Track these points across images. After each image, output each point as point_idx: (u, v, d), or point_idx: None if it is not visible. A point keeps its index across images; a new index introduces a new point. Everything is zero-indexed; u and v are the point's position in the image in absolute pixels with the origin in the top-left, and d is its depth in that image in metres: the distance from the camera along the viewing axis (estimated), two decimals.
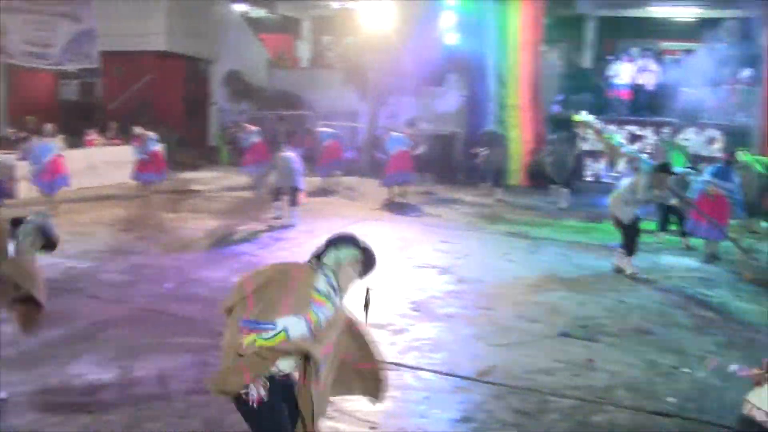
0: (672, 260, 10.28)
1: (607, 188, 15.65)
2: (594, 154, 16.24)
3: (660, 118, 15.72)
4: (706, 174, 10.33)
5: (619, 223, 9.26)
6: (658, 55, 17.89)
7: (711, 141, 14.59)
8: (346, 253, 3.55)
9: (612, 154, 11.11)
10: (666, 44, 19.13)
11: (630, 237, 9.17)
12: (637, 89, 16.78)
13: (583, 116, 11.16)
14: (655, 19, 18.64)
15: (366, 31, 17.42)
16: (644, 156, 10.44)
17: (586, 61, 18.86)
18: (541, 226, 12.18)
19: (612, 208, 9.34)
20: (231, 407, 3.52)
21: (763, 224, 11.78)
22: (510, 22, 16.32)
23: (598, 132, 11.12)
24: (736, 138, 13.80)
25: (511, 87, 16.42)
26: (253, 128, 15.36)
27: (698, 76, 15.80)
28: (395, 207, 13.59)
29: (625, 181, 9.41)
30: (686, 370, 6.21)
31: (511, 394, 5.56)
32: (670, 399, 5.63)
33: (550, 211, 13.66)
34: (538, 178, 15.51)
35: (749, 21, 15.51)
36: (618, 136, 11.52)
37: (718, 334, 7.24)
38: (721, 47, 15.25)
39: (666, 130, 15.35)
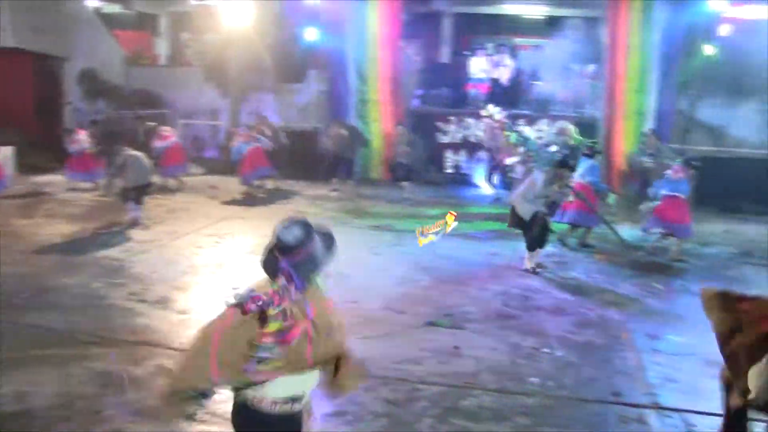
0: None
1: (466, 180, 16.42)
2: (453, 146, 16.71)
3: (515, 111, 16.37)
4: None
5: (519, 221, 9.35)
6: (512, 51, 18.67)
7: (562, 132, 15.34)
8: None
9: (511, 149, 11.33)
10: (519, 40, 19.98)
11: (532, 233, 9.31)
12: (493, 83, 17.41)
13: (490, 110, 11.33)
14: (508, 16, 19.41)
15: (225, 28, 17.09)
16: (546, 153, 10.60)
17: (444, 56, 19.38)
18: (405, 219, 12.39)
19: (513, 204, 9.46)
20: (94, 422, 3.34)
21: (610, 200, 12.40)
22: (369, 18, 16.47)
23: (502, 127, 11.31)
24: (584, 129, 14.57)
25: (371, 82, 16.57)
26: (170, 132, 14.91)
27: (549, 71, 16.65)
28: (257, 204, 13.42)
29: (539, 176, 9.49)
30: (546, 350, 6.51)
31: (382, 385, 5.62)
32: (533, 379, 5.89)
33: (413, 203, 13.91)
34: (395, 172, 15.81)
35: (592, 20, 16.45)
36: (515, 135, 11.62)
37: (575, 314, 7.66)
38: (568, 43, 16.08)
39: (521, 121, 16.01)
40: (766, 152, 15.11)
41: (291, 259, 3.17)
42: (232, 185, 14.47)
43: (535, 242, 9.30)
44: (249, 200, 13.73)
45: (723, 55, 15.19)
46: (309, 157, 16.29)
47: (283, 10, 16.90)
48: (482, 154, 16.11)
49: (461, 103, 17.32)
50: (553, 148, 10.29)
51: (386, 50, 16.59)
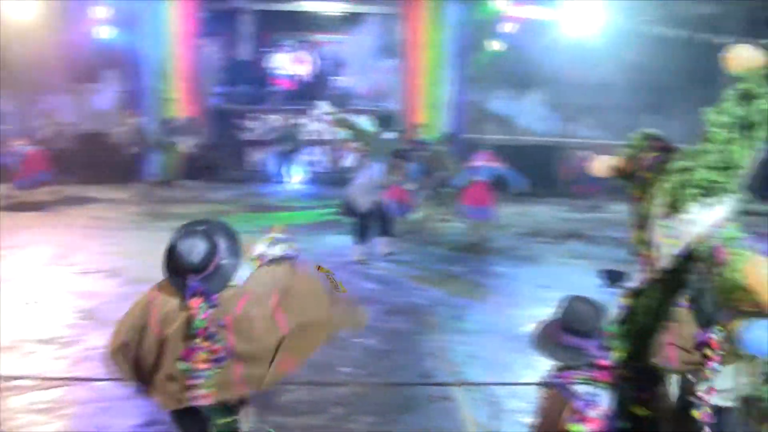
0: (332, 239, 10.96)
1: (270, 176, 16.42)
2: (255, 144, 16.65)
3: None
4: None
5: (353, 211, 9.48)
6: (313, 47, 18.84)
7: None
8: None
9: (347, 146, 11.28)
10: (319, 36, 20.18)
11: (361, 224, 9.49)
12: (294, 79, 17.49)
13: (324, 108, 11.23)
14: (307, 12, 19.53)
15: (7, 25, 15.79)
16: (382, 144, 10.62)
17: (245, 53, 19.18)
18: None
19: (351, 196, 9.52)
20: None
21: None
22: (165, 15, 15.98)
23: (335, 124, 11.24)
24: (384, 122, 15.05)
25: (169, 81, 16.10)
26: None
27: (349, 66, 17.01)
28: (45, 210, 12.57)
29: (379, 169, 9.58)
30: (356, 340, 6.68)
31: None
32: (345, 369, 6.02)
33: (215, 202, 13.69)
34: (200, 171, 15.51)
35: (389, 16, 17.00)
36: (349, 130, 11.58)
37: (383, 302, 7.92)
38: (367, 39, 16.51)
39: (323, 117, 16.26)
40: (550, 139, 16.41)
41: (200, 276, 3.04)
42: (10, 192, 13.29)
43: (364, 234, 9.56)
44: (34, 207, 12.70)
45: (509, 51, 16.28)
46: (105, 160, 15.52)
47: (72, 6, 15.94)
48: (314, 151, 16.25)
49: (264, 100, 17.25)
50: (390, 136, 10.61)
51: (184, 48, 16.19)
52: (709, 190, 3.29)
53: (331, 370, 5.96)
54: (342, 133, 11.06)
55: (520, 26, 15.91)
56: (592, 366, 3.00)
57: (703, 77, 17.67)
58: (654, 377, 3.56)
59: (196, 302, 2.97)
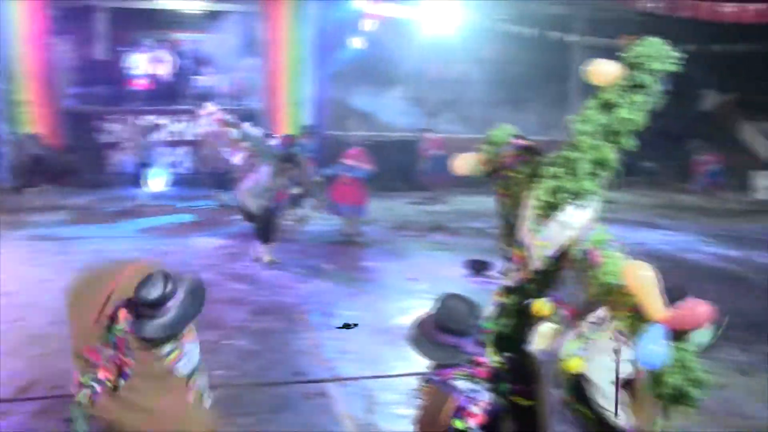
0: (195, 241, 10.72)
1: (125, 180, 15.81)
2: (113, 147, 16.04)
3: (177, 106, 16.12)
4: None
5: (250, 215, 9.42)
6: (172, 46, 18.28)
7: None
8: None
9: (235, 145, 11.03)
10: (178, 35, 19.59)
11: (263, 226, 9.39)
12: (153, 79, 16.94)
13: (209, 107, 10.98)
14: (165, 11, 18.92)
15: None
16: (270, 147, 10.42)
17: (101, 53, 18.33)
18: (68, 225, 11.62)
19: (241, 201, 9.43)
20: None
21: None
22: (12, 13, 15.08)
23: (223, 124, 10.97)
24: (247, 120, 14.86)
25: (18, 82, 15.21)
26: None
27: (209, 65, 16.66)
28: None
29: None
30: (227, 341, 6.58)
31: (59, 405, 5.24)
32: (217, 371, 5.91)
33: (71, 208, 13.08)
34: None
35: (250, 14, 16.78)
36: (238, 130, 11.34)
37: (251, 303, 7.84)
38: (228, 38, 16.24)
39: (185, 117, 15.84)
40: (411, 134, 16.77)
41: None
42: None
43: (270, 234, 9.49)
44: None
45: (370, 48, 16.49)
46: None
47: None
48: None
49: (122, 101, 16.62)
50: (274, 142, 10.50)
51: (34, 47, 15.34)
52: (578, 195, 3.47)
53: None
54: (234, 134, 10.87)
55: (380, 24, 16.15)
56: (470, 363, 3.07)
57: (554, 73, 18.69)
58: (530, 369, 3.75)
59: (124, 314, 2.94)
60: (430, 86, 18.49)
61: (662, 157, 17.68)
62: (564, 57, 17.90)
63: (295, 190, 10.59)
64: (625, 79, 3.41)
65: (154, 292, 2.94)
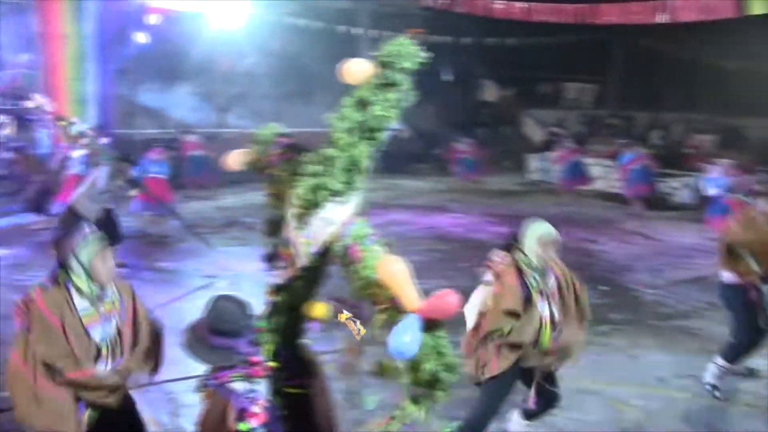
0: None
1: None
2: None
3: None
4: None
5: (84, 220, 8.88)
6: None
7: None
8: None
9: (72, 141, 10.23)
10: None
11: (105, 230, 8.68)
12: None
13: (39, 100, 10.01)
14: None
15: None
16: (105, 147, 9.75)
17: None
18: None
19: (78, 205, 8.93)
20: None
21: None
22: None
23: (57, 118, 10.10)
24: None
25: None
26: None
27: None
28: None
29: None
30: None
31: None
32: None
33: None
34: None
35: (20, 7, 15.60)
36: (74, 125, 10.47)
37: None
38: None
39: None
40: (204, 130, 16.49)
41: None
42: None
43: (113, 238, 8.85)
44: None
45: (156, 43, 15.98)
46: None
47: None
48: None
49: None
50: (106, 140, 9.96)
51: None
52: (336, 191, 3.52)
53: None
54: (71, 130, 10.15)
55: (165, 18, 15.68)
56: (246, 363, 3.05)
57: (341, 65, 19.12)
58: (303, 363, 3.84)
59: None
60: (220, 81, 18.26)
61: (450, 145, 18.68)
62: (351, 50, 18.35)
63: (133, 192, 10.36)
64: (377, 77, 3.49)
65: None
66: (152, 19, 15.65)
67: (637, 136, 18.76)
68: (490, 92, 23.49)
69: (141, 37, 16.00)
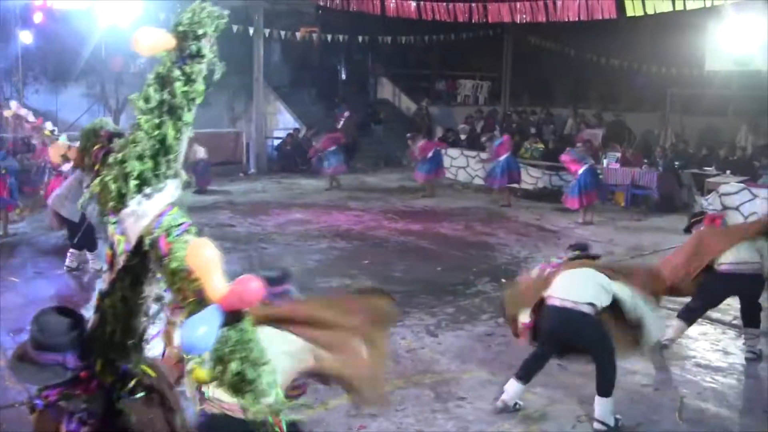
0: None
1: None
2: None
3: None
4: None
5: (64, 222, 9.09)
6: None
7: None
8: None
9: (57, 150, 9.56)
10: None
11: (78, 232, 9.03)
12: None
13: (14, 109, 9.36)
14: None
15: None
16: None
17: None
18: None
19: (57, 210, 8.98)
20: None
21: None
22: None
23: (37, 127, 9.43)
24: None
25: None
26: None
27: None
28: None
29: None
30: None
31: None
32: None
33: None
34: None
35: None
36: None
37: None
38: None
39: None
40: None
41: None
42: None
43: (91, 241, 9.19)
44: None
45: (43, 42, 15.30)
46: None
47: None
48: None
49: None
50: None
51: None
52: (145, 180, 3.16)
53: None
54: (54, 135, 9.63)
55: (52, 16, 15.01)
56: (76, 379, 2.84)
57: (238, 64, 18.83)
58: (141, 373, 3.40)
59: None
60: (113, 81, 17.61)
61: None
62: (247, 48, 18.13)
63: None
64: (178, 49, 3.12)
65: None
66: (37, 18, 14.94)
67: (530, 131, 19.32)
68: (386, 90, 23.69)
69: (26, 36, 15.26)
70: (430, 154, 15.25)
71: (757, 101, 17.11)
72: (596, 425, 5.26)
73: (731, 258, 6.56)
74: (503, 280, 9.13)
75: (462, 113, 21.70)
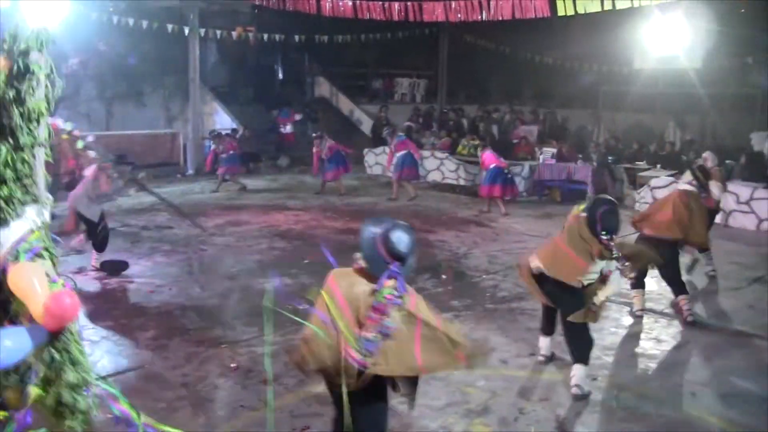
0: None
1: None
2: None
3: None
4: None
5: (86, 221, 9.16)
6: None
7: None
8: None
9: (71, 151, 9.60)
10: None
11: (96, 232, 9.19)
12: None
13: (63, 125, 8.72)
14: None
15: None
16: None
17: None
18: None
19: (77, 207, 9.07)
20: None
21: None
22: None
23: (73, 138, 8.99)
24: None
25: None
26: None
27: None
28: None
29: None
30: None
31: None
32: None
33: None
34: None
35: None
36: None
37: None
38: None
39: None
40: None
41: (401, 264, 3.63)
42: None
43: (104, 241, 9.31)
44: None
45: None
46: None
47: None
48: None
49: None
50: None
51: None
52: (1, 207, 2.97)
53: None
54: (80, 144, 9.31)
55: None
56: None
57: (173, 65, 18.57)
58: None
59: (389, 283, 3.59)
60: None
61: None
62: (182, 48, 17.88)
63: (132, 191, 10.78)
64: (7, 69, 2.96)
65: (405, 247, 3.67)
66: None
67: (466, 129, 19.56)
68: (323, 88, 23.64)
69: None
70: (331, 154, 15.31)
71: (682, 98, 17.72)
72: (574, 390, 5.68)
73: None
74: (444, 277, 9.24)
75: (399, 111, 21.81)
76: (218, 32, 18.33)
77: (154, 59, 18.10)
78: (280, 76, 24.08)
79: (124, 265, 9.26)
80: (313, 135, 16.33)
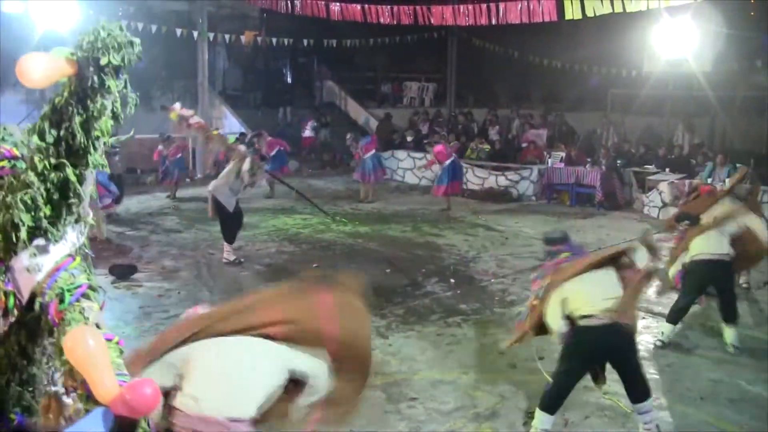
0: None
1: None
2: None
3: None
4: None
5: (221, 211, 9.55)
6: None
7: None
8: None
9: (223, 146, 9.95)
10: None
11: (231, 224, 9.66)
12: None
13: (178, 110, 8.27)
14: None
15: None
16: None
17: None
18: None
19: (216, 196, 9.50)
20: None
21: None
22: None
23: (203, 127, 9.00)
24: None
25: None
26: None
27: None
28: None
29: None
30: None
31: None
32: None
33: None
34: None
35: None
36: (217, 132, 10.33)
37: None
38: None
39: None
40: None
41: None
42: None
43: (234, 233, 9.79)
44: None
45: None
46: None
47: None
48: None
49: None
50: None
51: None
52: (39, 230, 2.66)
53: None
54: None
55: None
56: None
57: (182, 69, 18.64)
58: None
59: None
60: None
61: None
62: (191, 52, 17.95)
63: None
64: (77, 78, 2.53)
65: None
66: None
67: (476, 132, 19.54)
68: (330, 92, 23.67)
69: None
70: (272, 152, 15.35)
71: (691, 101, 17.64)
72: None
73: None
74: (452, 281, 9.23)
75: (408, 115, 21.82)
76: (227, 36, 18.38)
77: (163, 63, 18.16)
78: (289, 80, 24.13)
79: (132, 270, 9.28)
80: (348, 136, 16.46)
